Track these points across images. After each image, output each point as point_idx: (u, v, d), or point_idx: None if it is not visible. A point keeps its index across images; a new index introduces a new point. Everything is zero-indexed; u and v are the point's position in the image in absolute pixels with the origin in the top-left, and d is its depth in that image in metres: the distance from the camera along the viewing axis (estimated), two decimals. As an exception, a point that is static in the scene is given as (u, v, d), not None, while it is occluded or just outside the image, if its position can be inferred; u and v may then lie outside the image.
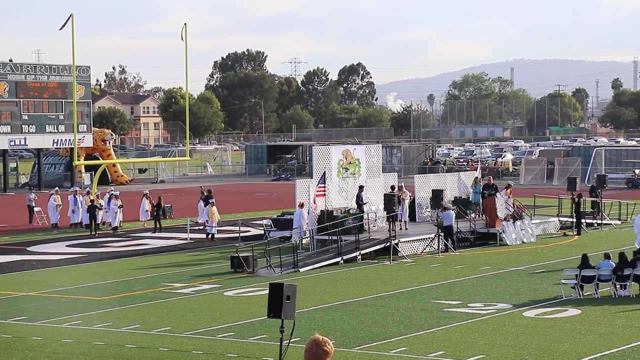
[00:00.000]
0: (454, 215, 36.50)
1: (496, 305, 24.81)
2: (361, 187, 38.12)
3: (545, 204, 46.16)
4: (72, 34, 45.14)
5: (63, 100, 71.78)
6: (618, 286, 26.04)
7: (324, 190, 36.63)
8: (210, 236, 40.67)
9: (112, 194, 44.98)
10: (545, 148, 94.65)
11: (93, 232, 43.10)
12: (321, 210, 36.66)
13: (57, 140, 72.46)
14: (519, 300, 25.57)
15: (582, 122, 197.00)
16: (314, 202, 36.38)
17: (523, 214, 40.11)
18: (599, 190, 44.02)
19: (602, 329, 21.94)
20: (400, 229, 37.37)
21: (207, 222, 41.12)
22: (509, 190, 40.69)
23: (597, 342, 20.46)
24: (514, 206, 40.41)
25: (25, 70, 71.05)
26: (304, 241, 36.24)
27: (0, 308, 25.63)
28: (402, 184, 41.39)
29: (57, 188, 51.38)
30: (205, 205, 42.48)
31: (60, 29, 44.94)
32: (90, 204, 44.29)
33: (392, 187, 39.18)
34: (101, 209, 44.31)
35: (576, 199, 40.49)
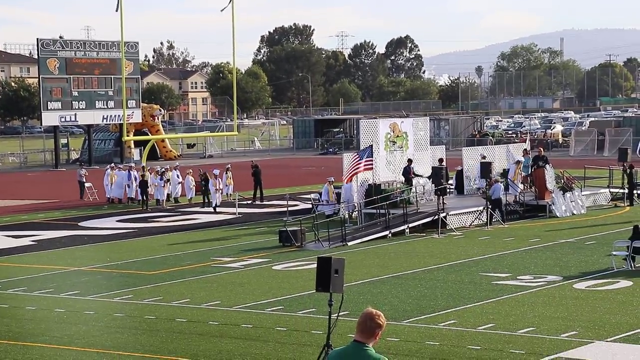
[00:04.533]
0: (502, 187, 36.24)
1: (546, 278, 24.63)
2: (410, 160, 37.97)
3: (596, 175, 45.63)
4: (120, 11, 45.37)
5: (112, 76, 72.42)
6: (670, 258, 25.70)
7: (372, 164, 36.40)
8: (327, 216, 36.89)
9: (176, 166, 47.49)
10: (596, 119, 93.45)
11: (144, 207, 43.57)
12: (369, 184, 36.60)
13: (107, 116, 73.22)
14: (569, 272, 25.36)
15: (634, 92, 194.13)
16: (350, 177, 35.72)
17: (573, 185, 39.70)
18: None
19: (654, 301, 21.69)
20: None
21: (328, 201, 38.75)
22: None
23: (649, 315, 20.22)
24: (563, 177, 39.98)
25: (75, 47, 71.76)
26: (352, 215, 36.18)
27: (53, 282, 26.01)
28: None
29: (112, 164, 51.91)
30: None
31: (116, 10, 45.19)
32: (141, 179, 44.68)
33: (440, 160, 38.96)
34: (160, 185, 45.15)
35: (628, 170, 39.99)
